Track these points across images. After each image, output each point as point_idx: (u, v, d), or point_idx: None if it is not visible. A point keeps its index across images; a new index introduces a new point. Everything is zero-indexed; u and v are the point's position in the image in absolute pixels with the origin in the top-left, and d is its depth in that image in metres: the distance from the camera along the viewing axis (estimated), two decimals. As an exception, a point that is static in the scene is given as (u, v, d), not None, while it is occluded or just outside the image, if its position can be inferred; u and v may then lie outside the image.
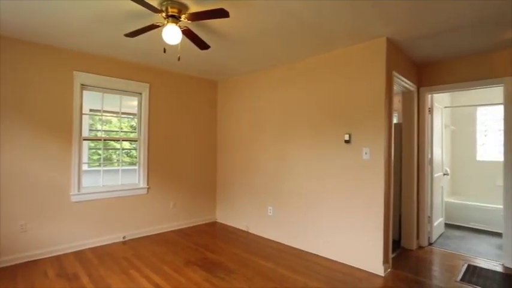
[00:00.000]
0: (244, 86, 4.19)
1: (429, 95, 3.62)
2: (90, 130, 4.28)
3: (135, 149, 3.97)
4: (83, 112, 3.42)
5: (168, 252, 3.30)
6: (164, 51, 2.45)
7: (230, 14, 2.24)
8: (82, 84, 3.36)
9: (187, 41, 2.74)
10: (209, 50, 3.02)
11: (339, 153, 3.12)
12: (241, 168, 4.18)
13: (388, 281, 2.69)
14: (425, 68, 3.59)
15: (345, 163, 3.07)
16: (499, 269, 2.98)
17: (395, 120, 3.92)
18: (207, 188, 4.53)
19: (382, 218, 2.84)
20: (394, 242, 3.16)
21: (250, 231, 4.06)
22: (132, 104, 3.97)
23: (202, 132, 4.48)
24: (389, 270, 2.90)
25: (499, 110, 3.75)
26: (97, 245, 3.45)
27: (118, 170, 3.79)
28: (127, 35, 2.46)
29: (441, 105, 4.05)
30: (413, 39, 2.88)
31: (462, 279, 2.71)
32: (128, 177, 3.83)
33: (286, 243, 3.59)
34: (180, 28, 2.24)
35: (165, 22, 2.19)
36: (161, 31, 2.29)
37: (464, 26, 2.58)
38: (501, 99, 3.15)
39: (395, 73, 2.97)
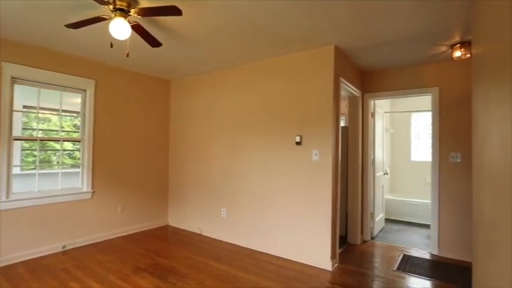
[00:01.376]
0: (199, 86, 4.11)
1: (372, 101, 3.95)
2: (24, 129, 3.83)
3: (78, 150, 3.65)
4: (14, 109, 3.06)
5: (116, 260, 3.09)
6: (111, 46, 2.31)
7: (184, 12, 2.20)
8: (13, 77, 3.00)
9: (138, 37, 2.62)
10: (161, 47, 2.93)
11: (291, 154, 3.24)
12: (195, 170, 4.08)
13: (335, 275, 2.86)
14: (368, 75, 3.91)
15: (296, 164, 3.20)
16: (427, 256, 3.36)
17: (342, 124, 4.19)
18: (159, 190, 4.34)
19: (330, 215, 3.01)
20: (341, 237, 3.37)
21: (203, 233, 4.00)
22: (75, 101, 3.65)
23: (154, 132, 4.28)
24: (336, 265, 3.09)
25: (429, 116, 4.21)
26: (31, 257, 3.09)
27: (58, 173, 3.46)
28: (68, 26, 2.26)
29: (382, 110, 4.45)
30: (358, 49, 3.12)
31: (398, 268, 3.01)
32: (70, 181, 3.51)
33: (239, 244, 3.61)
34: (129, 23, 2.13)
35: (113, 15, 2.06)
36: (108, 25, 2.15)
37: (400, 41, 2.87)
38: (430, 106, 3.57)
39: (342, 79, 3.18)
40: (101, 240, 3.67)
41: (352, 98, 3.86)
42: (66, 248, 3.36)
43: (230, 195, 3.73)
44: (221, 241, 3.76)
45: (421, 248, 3.61)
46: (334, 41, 2.91)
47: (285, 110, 3.30)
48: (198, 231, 4.06)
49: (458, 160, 3.31)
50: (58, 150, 3.59)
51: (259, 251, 3.42)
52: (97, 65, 3.61)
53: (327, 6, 2.21)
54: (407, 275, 2.85)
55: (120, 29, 2.05)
